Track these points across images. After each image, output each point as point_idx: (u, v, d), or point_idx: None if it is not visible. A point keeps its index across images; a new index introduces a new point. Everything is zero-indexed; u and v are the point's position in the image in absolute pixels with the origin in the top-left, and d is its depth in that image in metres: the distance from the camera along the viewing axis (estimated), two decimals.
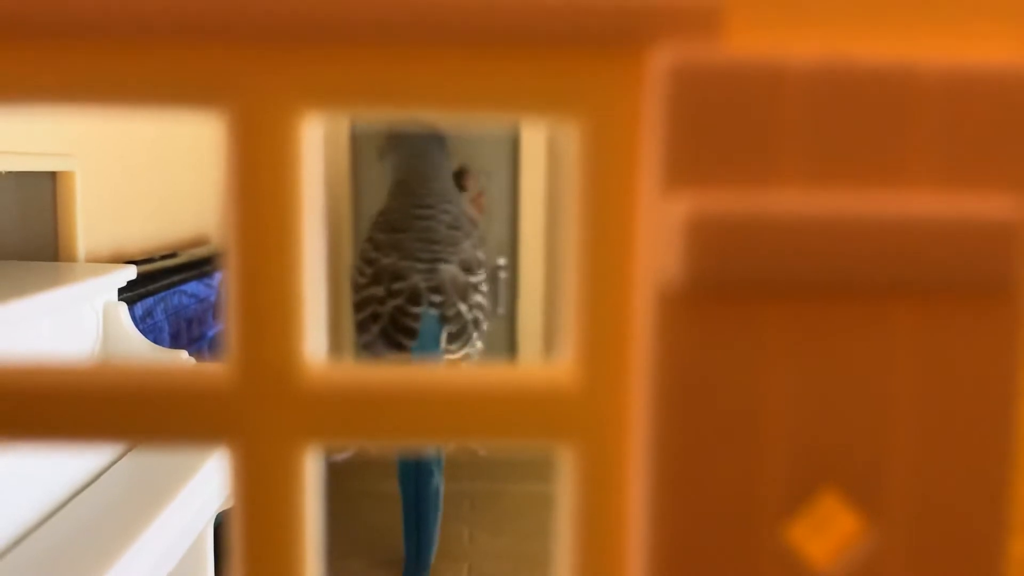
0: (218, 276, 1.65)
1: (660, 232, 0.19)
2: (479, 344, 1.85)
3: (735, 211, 0.18)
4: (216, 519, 1.04)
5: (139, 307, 1.27)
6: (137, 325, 1.21)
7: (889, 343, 0.19)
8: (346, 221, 2.51)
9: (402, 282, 1.75)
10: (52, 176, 1.22)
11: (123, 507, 0.84)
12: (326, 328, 0.20)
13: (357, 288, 1.83)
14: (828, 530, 0.19)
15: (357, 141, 2.52)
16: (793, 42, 0.19)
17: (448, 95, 0.19)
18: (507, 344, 2.64)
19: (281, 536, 0.20)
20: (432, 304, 1.75)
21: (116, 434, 0.20)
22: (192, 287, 1.51)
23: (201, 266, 1.59)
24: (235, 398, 0.20)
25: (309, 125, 0.19)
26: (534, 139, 2.50)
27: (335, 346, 2.44)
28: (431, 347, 1.75)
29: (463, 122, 0.20)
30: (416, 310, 1.74)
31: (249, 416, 0.20)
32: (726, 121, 0.18)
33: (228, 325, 0.20)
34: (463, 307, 1.77)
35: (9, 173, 1.15)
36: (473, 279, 1.81)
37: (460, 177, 2.63)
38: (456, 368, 0.20)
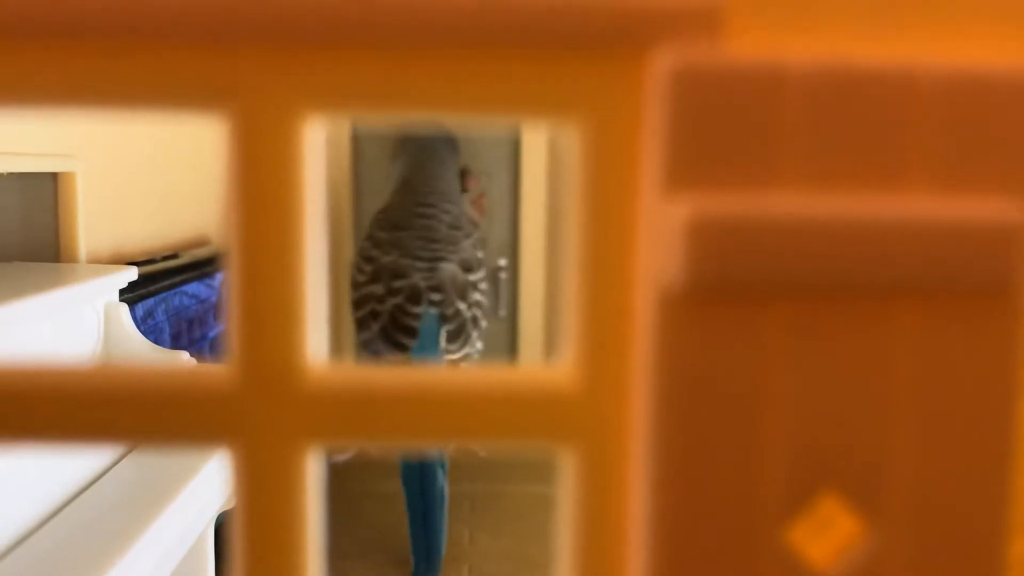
0: (219, 277, 1.65)
1: (661, 234, 0.19)
2: (479, 344, 1.85)
3: (736, 213, 0.18)
4: (217, 520, 1.04)
5: (140, 308, 1.27)
6: (138, 326, 1.21)
7: (890, 345, 0.19)
8: (347, 221, 2.51)
9: (402, 280, 1.75)
10: (53, 177, 1.22)
11: (124, 508, 0.84)
12: (326, 326, 0.20)
13: (356, 286, 1.84)
14: (828, 532, 0.19)
15: (359, 142, 2.53)
16: (793, 45, 0.19)
17: (449, 97, 0.19)
18: (508, 345, 2.64)
19: (282, 537, 0.20)
20: (432, 303, 1.75)
21: (118, 435, 0.20)
22: (193, 288, 1.52)
23: (202, 267, 1.59)
24: (236, 399, 0.20)
25: (311, 127, 0.19)
26: (535, 140, 2.50)
27: (336, 344, 2.44)
28: (431, 346, 1.75)
29: (464, 124, 0.20)
30: (416, 309, 1.74)
31: (250, 417, 0.20)
32: (727, 123, 0.18)
33: (230, 326, 0.20)
34: (462, 306, 1.78)
35: (11, 174, 1.15)
36: (472, 277, 1.81)
37: (461, 178, 2.63)
38: (457, 370, 0.20)
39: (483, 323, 1.86)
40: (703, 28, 0.19)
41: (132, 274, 1.13)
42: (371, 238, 1.84)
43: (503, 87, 0.19)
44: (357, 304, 1.82)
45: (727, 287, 0.18)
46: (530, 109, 0.19)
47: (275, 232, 0.20)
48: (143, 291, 1.29)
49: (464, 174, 2.59)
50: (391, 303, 1.75)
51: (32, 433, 0.20)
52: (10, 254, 1.20)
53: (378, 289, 1.77)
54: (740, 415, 0.19)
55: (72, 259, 1.22)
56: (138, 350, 1.06)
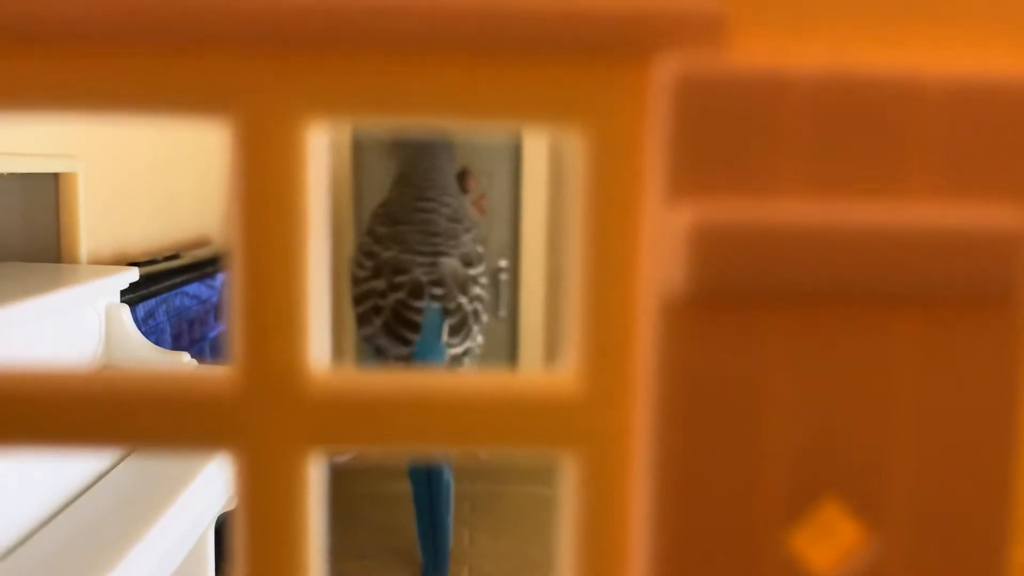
0: (220, 277, 1.65)
1: (664, 241, 0.19)
2: (479, 338, 1.86)
3: (738, 220, 0.18)
4: (217, 520, 1.04)
5: (141, 308, 1.27)
6: (139, 327, 1.21)
7: (891, 352, 0.19)
8: (347, 222, 2.51)
9: (403, 275, 1.75)
10: (55, 177, 1.22)
11: (125, 510, 0.84)
12: (328, 324, 0.20)
13: (357, 281, 1.84)
14: (830, 538, 0.19)
15: (359, 144, 2.53)
16: (797, 52, 0.19)
17: (453, 104, 0.19)
18: (508, 346, 2.64)
19: (284, 542, 0.20)
20: (434, 297, 1.75)
21: (120, 439, 0.20)
22: (194, 288, 1.52)
23: (203, 267, 1.59)
24: (239, 404, 0.20)
25: (314, 133, 0.20)
26: (536, 141, 2.50)
27: (336, 340, 2.44)
28: (433, 341, 1.75)
29: (467, 129, 0.20)
30: (419, 304, 1.74)
31: (253, 422, 0.20)
32: (730, 130, 0.18)
33: (233, 331, 0.20)
34: (463, 300, 1.78)
35: (12, 175, 1.16)
36: (473, 272, 1.82)
37: (462, 178, 2.63)
38: (460, 375, 0.20)
39: (484, 317, 1.86)
40: (706, 35, 0.19)
41: (133, 275, 1.13)
42: (371, 233, 1.85)
43: (506, 93, 0.19)
44: (358, 299, 1.82)
45: (730, 294, 0.18)
46: (533, 115, 0.19)
47: (278, 237, 0.20)
48: (144, 291, 1.29)
49: (464, 174, 2.59)
50: (393, 298, 1.75)
51: (35, 437, 0.20)
52: (12, 254, 1.20)
53: (380, 284, 1.77)
54: (742, 421, 0.19)
55: (73, 259, 1.22)
56: (139, 351, 1.06)
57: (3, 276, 0.99)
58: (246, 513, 0.20)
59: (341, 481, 2.18)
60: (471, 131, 0.20)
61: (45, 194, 1.22)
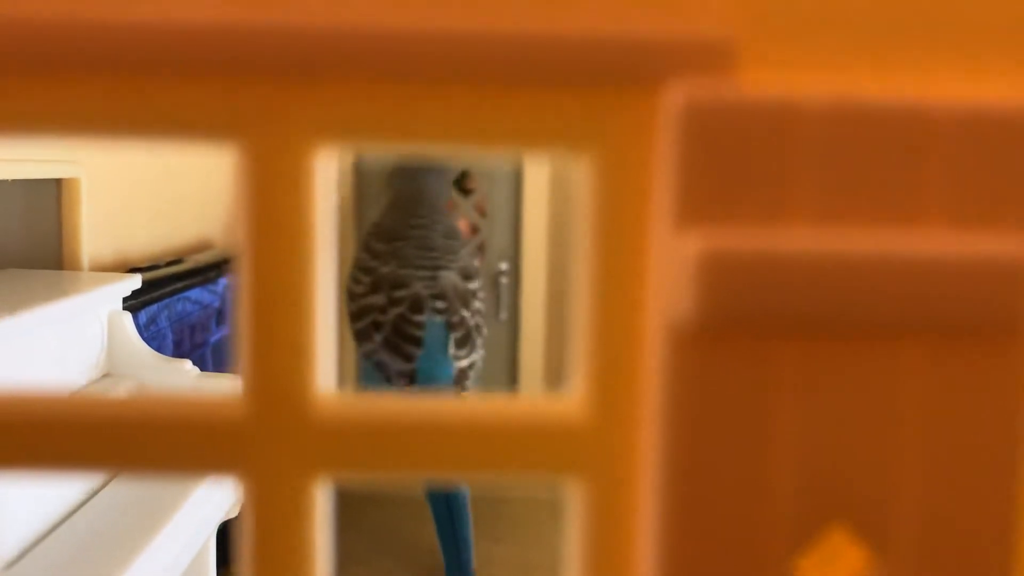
0: (222, 282, 1.65)
1: (671, 268, 0.19)
2: (481, 351, 1.86)
3: (747, 248, 0.18)
4: (218, 527, 1.04)
5: (143, 314, 1.27)
6: (141, 332, 1.21)
7: (898, 381, 0.19)
8: (348, 246, 2.51)
9: (403, 290, 1.75)
10: (57, 183, 1.22)
11: (128, 519, 0.84)
12: (334, 349, 0.20)
13: (354, 297, 1.84)
14: (836, 565, 0.19)
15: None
16: (806, 80, 0.19)
17: (461, 131, 0.19)
18: (508, 349, 2.64)
19: (291, 568, 0.20)
20: (436, 311, 1.75)
21: (128, 465, 0.20)
22: (196, 293, 1.52)
23: (206, 272, 1.59)
24: (247, 430, 0.20)
25: (322, 159, 0.20)
26: None
27: (336, 358, 2.44)
28: (438, 355, 1.75)
29: (475, 156, 0.20)
30: (419, 318, 1.74)
31: (261, 448, 0.20)
32: (738, 158, 0.18)
33: (240, 357, 0.20)
34: (466, 313, 1.78)
35: (14, 181, 1.16)
36: (472, 286, 1.82)
37: (463, 179, 2.63)
38: (467, 401, 0.20)
39: (484, 330, 1.87)
40: (715, 63, 0.19)
41: (136, 282, 1.13)
42: (368, 249, 1.85)
43: (514, 121, 0.19)
44: (356, 316, 1.82)
45: (737, 322, 0.18)
46: (541, 143, 0.19)
47: (286, 262, 0.20)
48: (146, 297, 1.29)
49: (466, 175, 2.59)
50: (393, 313, 1.75)
51: (40, 461, 0.20)
52: (13, 260, 1.20)
53: (379, 300, 1.77)
54: (749, 449, 0.19)
55: (75, 265, 1.22)
56: (141, 358, 1.06)
57: (5, 284, 0.99)
58: (253, 538, 0.20)
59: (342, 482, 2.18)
60: (479, 157, 0.20)
61: (47, 199, 1.23)
